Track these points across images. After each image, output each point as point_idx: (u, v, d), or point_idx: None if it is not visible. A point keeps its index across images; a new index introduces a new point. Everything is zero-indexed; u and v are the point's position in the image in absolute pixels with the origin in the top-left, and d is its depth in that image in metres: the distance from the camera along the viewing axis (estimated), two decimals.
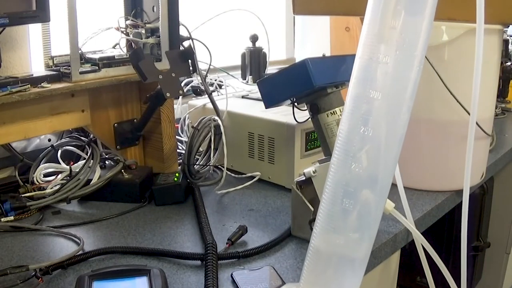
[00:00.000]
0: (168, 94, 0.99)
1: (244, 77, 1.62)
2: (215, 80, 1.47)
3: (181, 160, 1.13)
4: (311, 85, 0.79)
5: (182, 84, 1.35)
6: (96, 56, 1.02)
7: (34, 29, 1.06)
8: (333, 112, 0.81)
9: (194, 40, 1.13)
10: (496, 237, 1.64)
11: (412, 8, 0.50)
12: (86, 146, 1.11)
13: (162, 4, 1.04)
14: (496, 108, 1.63)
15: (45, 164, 1.07)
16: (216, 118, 1.09)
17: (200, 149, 1.10)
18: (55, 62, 1.00)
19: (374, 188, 0.54)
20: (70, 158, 1.12)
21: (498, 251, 1.65)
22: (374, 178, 0.54)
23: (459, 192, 0.99)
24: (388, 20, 0.51)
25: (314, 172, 0.80)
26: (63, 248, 0.82)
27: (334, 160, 0.55)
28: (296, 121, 0.98)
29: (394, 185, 0.74)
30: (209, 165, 1.10)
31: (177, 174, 1.03)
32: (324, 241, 0.56)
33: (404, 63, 0.51)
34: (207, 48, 1.16)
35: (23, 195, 0.97)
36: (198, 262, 0.76)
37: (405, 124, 0.53)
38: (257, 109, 1.13)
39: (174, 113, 1.13)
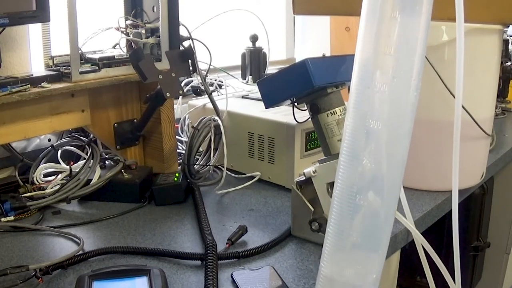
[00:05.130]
0: (168, 94, 0.99)
1: (244, 77, 1.62)
2: (215, 80, 1.46)
3: (181, 160, 1.13)
4: (311, 85, 0.79)
5: (182, 84, 1.35)
6: (96, 56, 1.02)
7: (34, 29, 1.06)
8: (333, 112, 0.81)
9: (194, 40, 1.13)
10: (496, 237, 1.64)
11: (406, 31, 0.49)
12: (86, 146, 1.11)
13: (162, 4, 1.04)
14: (496, 108, 1.63)
15: (45, 164, 1.07)
16: (216, 118, 1.09)
17: (200, 149, 1.10)
18: (55, 62, 1.00)
19: (379, 216, 0.53)
20: (70, 158, 1.12)
21: (498, 251, 1.65)
22: (379, 205, 0.53)
23: (459, 192, 0.99)
24: (382, 45, 0.49)
25: (314, 172, 0.80)
26: (63, 248, 0.82)
27: (337, 192, 0.53)
28: (296, 121, 0.98)
29: None
30: (209, 165, 1.10)
31: (177, 174, 1.03)
32: (334, 271, 0.55)
33: (402, 89, 0.50)
34: (207, 48, 1.16)
35: (23, 195, 0.97)
36: (198, 262, 0.76)
37: (406, 149, 0.52)
38: (257, 109, 1.13)
39: (174, 113, 1.13)
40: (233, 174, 1.14)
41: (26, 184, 1.01)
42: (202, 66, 1.18)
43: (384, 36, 0.49)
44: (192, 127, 1.09)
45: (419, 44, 0.49)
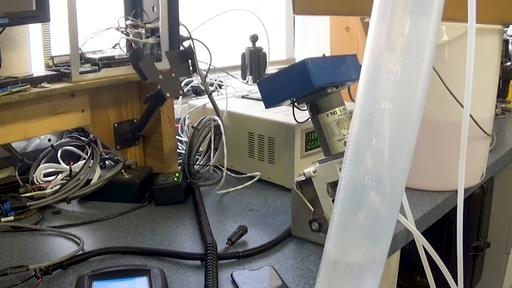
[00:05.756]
0: (168, 94, 0.99)
1: (244, 77, 1.62)
2: (215, 80, 1.46)
3: (181, 160, 1.13)
4: (311, 85, 0.79)
5: (182, 84, 1.35)
6: (96, 56, 1.02)
7: (34, 29, 1.06)
8: (333, 112, 0.81)
9: (194, 40, 1.13)
10: (496, 237, 1.64)
11: (419, 12, 0.49)
12: (86, 146, 1.11)
13: (162, 4, 1.04)
14: (496, 108, 1.63)
15: (45, 164, 1.07)
16: (216, 118, 1.09)
17: (200, 149, 1.10)
18: (55, 62, 1.00)
19: (386, 200, 0.53)
20: (70, 158, 1.12)
21: (498, 251, 1.65)
22: (386, 190, 0.53)
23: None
24: (395, 26, 0.50)
25: (314, 172, 0.80)
26: (63, 248, 0.82)
27: (345, 172, 0.53)
28: (296, 121, 0.98)
29: None
30: (209, 165, 1.10)
31: (177, 174, 1.03)
32: (339, 253, 0.55)
33: (414, 71, 0.50)
34: (207, 48, 1.16)
35: (23, 195, 0.97)
36: (198, 262, 0.76)
37: (416, 134, 0.52)
38: (257, 109, 1.13)
39: (174, 113, 1.13)
40: (233, 174, 1.14)
41: (26, 184, 1.01)
42: (202, 66, 1.18)
43: (398, 17, 0.49)
44: (192, 127, 1.09)
45: (433, 24, 0.49)
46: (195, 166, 1.08)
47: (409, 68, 0.50)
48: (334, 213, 0.55)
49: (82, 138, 1.12)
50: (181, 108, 1.36)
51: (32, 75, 0.95)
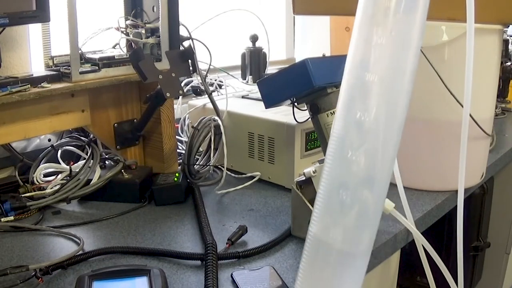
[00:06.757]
0: (168, 94, 0.99)
1: (244, 77, 1.62)
2: (215, 80, 1.47)
3: (181, 160, 1.13)
4: (311, 85, 0.79)
5: (182, 84, 1.35)
6: (96, 56, 1.02)
7: (34, 29, 1.06)
8: (333, 112, 0.82)
9: (194, 40, 1.13)
10: (496, 237, 1.64)
11: None
12: (86, 146, 1.11)
13: (162, 4, 1.04)
14: (496, 108, 1.63)
15: (45, 164, 1.07)
16: (216, 118, 1.09)
17: (200, 149, 1.10)
18: (55, 62, 1.00)
19: (372, 180, 0.52)
20: (70, 158, 1.12)
21: (498, 251, 1.65)
22: (372, 167, 0.51)
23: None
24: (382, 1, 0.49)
25: (314, 172, 0.80)
26: (63, 248, 0.82)
27: (331, 150, 0.53)
28: (296, 121, 0.98)
29: (394, 185, 0.74)
30: (209, 165, 1.10)
31: (177, 174, 1.03)
32: (323, 235, 0.54)
33: (400, 45, 0.49)
34: (207, 48, 1.16)
35: (23, 195, 0.97)
36: (198, 262, 0.76)
37: (404, 110, 0.51)
38: (257, 109, 1.13)
39: (174, 113, 1.13)
40: (233, 174, 1.14)
41: (26, 184, 1.01)
42: (202, 66, 1.18)
43: None
44: (192, 127, 1.09)
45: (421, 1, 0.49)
46: (195, 166, 1.08)
47: (397, 41, 0.49)
48: (319, 192, 0.54)
49: (82, 138, 1.12)
50: (181, 108, 1.36)
51: (32, 75, 0.95)
